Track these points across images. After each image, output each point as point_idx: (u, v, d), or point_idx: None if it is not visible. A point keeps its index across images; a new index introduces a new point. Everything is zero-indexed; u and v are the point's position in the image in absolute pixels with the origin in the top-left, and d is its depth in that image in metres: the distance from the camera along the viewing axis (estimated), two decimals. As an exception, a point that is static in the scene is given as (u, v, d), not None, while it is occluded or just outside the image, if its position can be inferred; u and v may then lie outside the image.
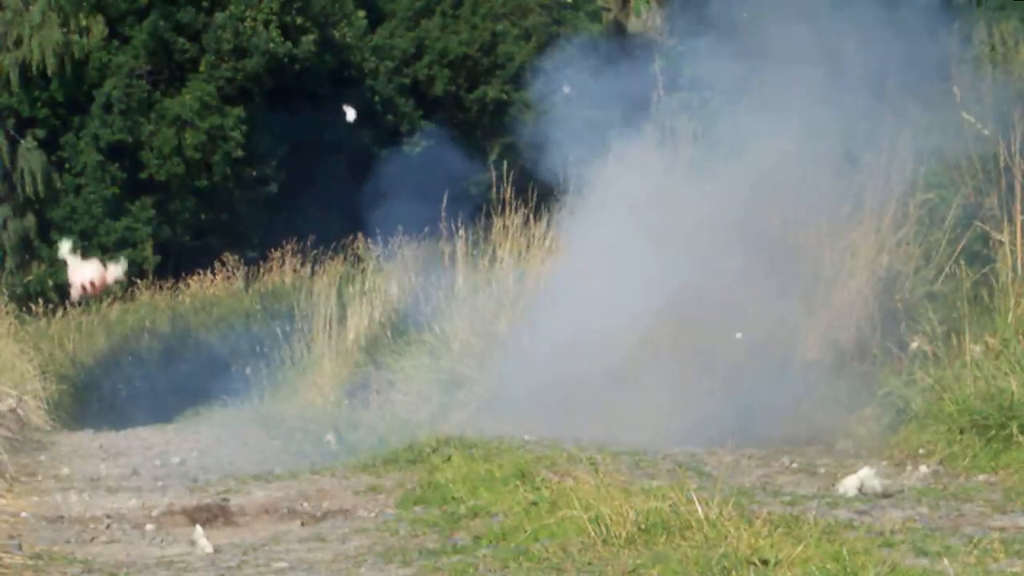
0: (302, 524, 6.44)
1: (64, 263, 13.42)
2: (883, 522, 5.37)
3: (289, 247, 20.41)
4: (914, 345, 7.93)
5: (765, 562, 4.53)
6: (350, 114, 10.03)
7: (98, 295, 13.29)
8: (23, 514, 6.70)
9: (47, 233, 27.67)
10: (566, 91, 9.80)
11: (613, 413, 8.59)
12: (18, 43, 26.30)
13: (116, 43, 28.35)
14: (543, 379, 8.88)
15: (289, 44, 29.31)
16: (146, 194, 27.83)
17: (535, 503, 5.77)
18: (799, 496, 6.15)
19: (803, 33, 8.73)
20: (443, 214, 12.98)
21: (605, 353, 8.82)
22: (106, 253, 27.05)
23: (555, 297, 9.73)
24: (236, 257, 20.76)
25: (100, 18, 27.91)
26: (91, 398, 16.06)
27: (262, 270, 20.75)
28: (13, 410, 11.56)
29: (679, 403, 8.36)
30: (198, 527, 6.07)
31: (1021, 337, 7.15)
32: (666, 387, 8.45)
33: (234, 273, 20.42)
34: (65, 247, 13.54)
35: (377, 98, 32.24)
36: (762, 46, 8.88)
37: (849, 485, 6.16)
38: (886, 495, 6.04)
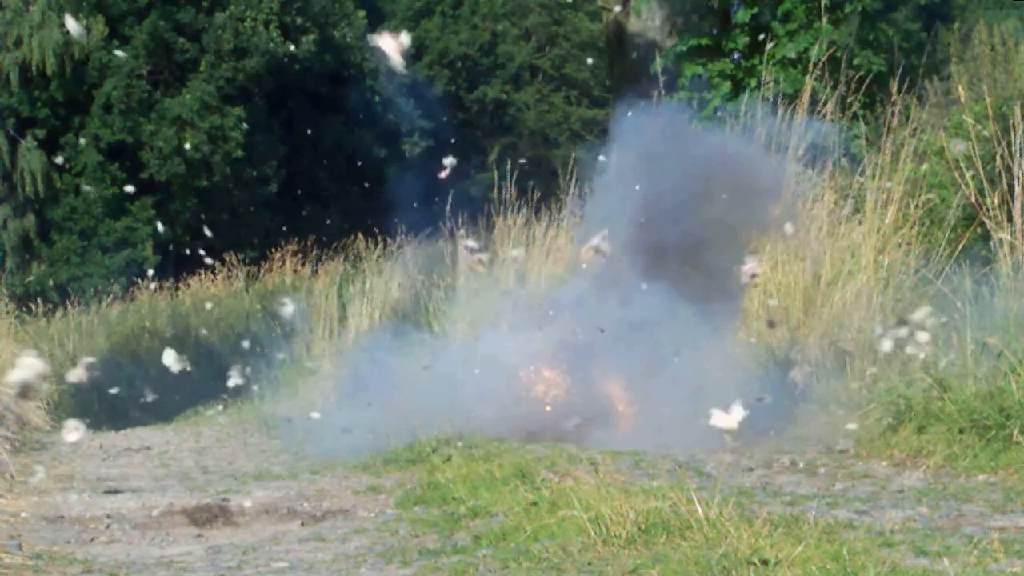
0: (302, 524, 6.44)
1: None
2: (883, 522, 5.37)
3: (289, 247, 20.40)
4: (914, 345, 7.93)
5: (765, 562, 4.53)
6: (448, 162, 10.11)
7: None
8: (23, 514, 6.70)
9: (47, 233, 27.69)
10: None
11: (621, 416, 8.61)
12: (18, 43, 26.31)
13: (116, 43, 28.35)
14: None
15: (289, 44, 29.32)
16: (146, 194, 27.85)
17: (535, 503, 5.77)
18: (799, 496, 6.15)
19: None
20: (448, 213, 13.00)
21: (605, 355, 8.82)
22: (106, 253, 27.11)
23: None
24: (237, 256, 20.77)
25: (100, 18, 27.91)
26: (91, 398, 16.06)
27: (262, 270, 20.75)
28: (13, 410, 11.56)
29: (685, 406, 8.36)
30: None
31: (1021, 337, 7.15)
32: (670, 391, 8.45)
33: (234, 273, 20.41)
34: None
35: (377, 98, 32.26)
36: None
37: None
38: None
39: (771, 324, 9.30)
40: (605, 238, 8.47)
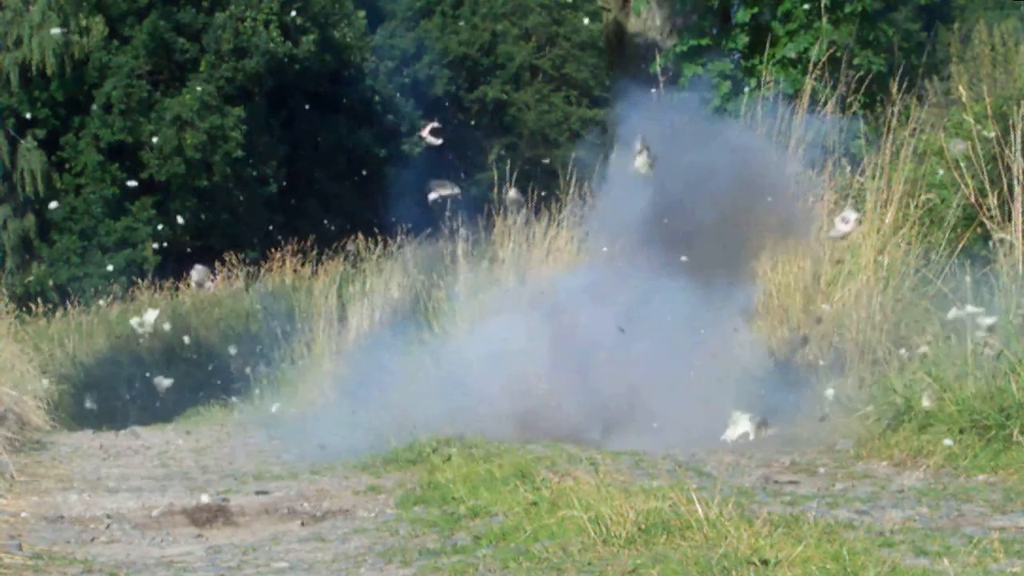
0: (302, 524, 6.44)
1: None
2: (883, 522, 5.37)
3: (289, 247, 20.40)
4: (909, 344, 7.94)
5: (765, 562, 4.53)
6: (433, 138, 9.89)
7: None
8: (23, 514, 6.69)
9: (47, 233, 27.69)
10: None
11: (622, 416, 8.60)
12: (18, 43, 26.31)
13: (116, 43, 28.34)
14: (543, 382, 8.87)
15: (289, 44, 29.32)
16: (146, 194, 27.85)
17: (535, 503, 5.76)
18: (799, 496, 6.15)
19: None
20: (447, 214, 12.99)
21: (606, 353, 8.81)
22: (106, 253, 27.11)
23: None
24: (238, 256, 20.78)
25: (100, 18, 27.90)
26: (91, 398, 16.07)
27: (262, 270, 20.75)
28: (13, 410, 11.56)
29: (687, 406, 8.36)
30: None
31: (1021, 337, 7.15)
32: (670, 391, 8.44)
33: (234, 273, 20.42)
34: None
35: (377, 98, 32.25)
36: None
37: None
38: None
39: (819, 320, 9.27)
40: (643, 145, 8.35)
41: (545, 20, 36.64)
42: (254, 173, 29.00)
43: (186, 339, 16.82)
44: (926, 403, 7.09)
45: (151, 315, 7.44)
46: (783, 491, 6.34)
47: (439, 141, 9.67)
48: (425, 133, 9.44)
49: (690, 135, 9.08)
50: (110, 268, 25.22)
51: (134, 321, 7.76)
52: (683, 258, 8.64)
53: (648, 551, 4.87)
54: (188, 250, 21.57)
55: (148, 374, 15.36)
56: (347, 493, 7.19)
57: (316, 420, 10.74)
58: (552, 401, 8.76)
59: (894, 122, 9.84)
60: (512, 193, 10.29)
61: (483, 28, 36.24)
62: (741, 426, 6.52)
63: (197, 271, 11.80)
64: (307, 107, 29.67)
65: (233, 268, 20.44)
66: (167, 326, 16.42)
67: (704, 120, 10.38)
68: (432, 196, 9.57)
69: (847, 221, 8.29)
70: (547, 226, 12.59)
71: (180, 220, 25.47)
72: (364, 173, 29.45)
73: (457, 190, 9.67)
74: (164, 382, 11.58)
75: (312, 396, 13.21)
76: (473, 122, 34.55)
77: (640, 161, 8.43)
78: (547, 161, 26.98)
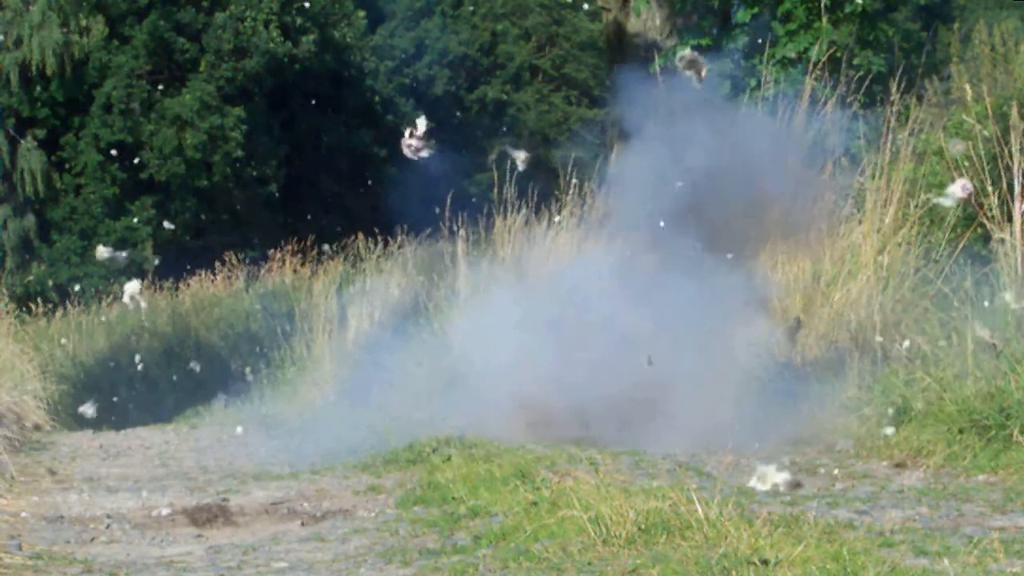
0: (302, 524, 6.44)
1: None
2: (883, 522, 5.37)
3: (289, 247, 20.39)
4: (909, 344, 7.93)
5: (765, 562, 4.53)
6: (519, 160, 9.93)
7: None
8: (23, 514, 6.70)
9: (47, 233, 27.68)
10: None
11: (617, 417, 8.58)
12: (18, 43, 26.30)
13: (116, 43, 28.33)
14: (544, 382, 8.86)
15: (289, 44, 29.30)
16: (146, 194, 27.84)
17: (535, 503, 5.77)
18: (799, 496, 6.16)
19: None
20: (447, 214, 12.99)
21: (603, 355, 8.81)
22: (106, 253, 27.08)
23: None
24: (237, 256, 20.76)
25: (100, 18, 27.90)
26: (91, 398, 16.05)
27: (262, 270, 20.73)
28: (13, 410, 11.56)
29: (685, 406, 8.35)
30: None
31: (1021, 337, 7.15)
32: (670, 391, 8.43)
33: (234, 273, 20.41)
34: None
35: (377, 98, 32.23)
36: None
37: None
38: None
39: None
40: (690, 57, 8.35)
41: (545, 20, 36.61)
42: (254, 173, 28.98)
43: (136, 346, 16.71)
44: (920, 405, 7.10)
45: (134, 285, 7.58)
46: (783, 491, 6.34)
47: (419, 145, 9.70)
48: (418, 135, 9.45)
49: (699, 128, 9.06)
50: (77, 281, 25.14)
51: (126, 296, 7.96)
52: (728, 255, 8.62)
53: (648, 551, 4.87)
54: (187, 265, 21.53)
55: (148, 373, 15.37)
56: (347, 493, 7.19)
57: (316, 420, 10.74)
58: (552, 401, 8.76)
59: (894, 122, 9.83)
60: (519, 159, 10.25)
61: (483, 28, 36.22)
62: (771, 478, 6.51)
63: (130, 286, 11.75)
64: (307, 107, 29.66)
65: (233, 268, 20.43)
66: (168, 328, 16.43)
67: (713, 113, 10.36)
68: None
69: (966, 189, 8.17)
70: (547, 226, 12.59)
71: (168, 224, 25.49)
72: (364, 173, 29.44)
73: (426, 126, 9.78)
74: (88, 409, 11.65)
75: (312, 396, 13.22)
76: (502, 124, 34.50)
77: (692, 78, 8.42)
78: (547, 161, 26.98)
